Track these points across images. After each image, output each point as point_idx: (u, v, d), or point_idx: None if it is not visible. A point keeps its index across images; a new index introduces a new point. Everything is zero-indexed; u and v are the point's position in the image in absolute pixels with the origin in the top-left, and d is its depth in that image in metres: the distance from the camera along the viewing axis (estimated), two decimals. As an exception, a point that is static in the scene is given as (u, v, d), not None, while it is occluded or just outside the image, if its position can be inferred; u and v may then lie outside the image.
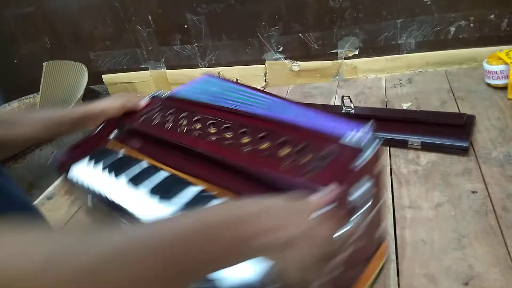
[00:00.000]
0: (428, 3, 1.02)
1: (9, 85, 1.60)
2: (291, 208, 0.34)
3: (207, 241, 0.29)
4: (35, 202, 0.92)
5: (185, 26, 1.24)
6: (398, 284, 0.53)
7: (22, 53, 1.51)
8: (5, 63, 1.53)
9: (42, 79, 1.16)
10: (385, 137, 0.77)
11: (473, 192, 0.64)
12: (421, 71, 1.10)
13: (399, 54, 1.11)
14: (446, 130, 0.74)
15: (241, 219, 0.31)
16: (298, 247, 0.32)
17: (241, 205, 0.34)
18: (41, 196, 0.94)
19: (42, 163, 1.09)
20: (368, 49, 1.12)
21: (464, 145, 0.71)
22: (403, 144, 0.77)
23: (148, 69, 1.38)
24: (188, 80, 1.32)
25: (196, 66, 1.32)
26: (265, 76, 1.26)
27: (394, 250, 0.58)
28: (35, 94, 1.42)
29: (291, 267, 0.33)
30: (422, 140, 0.74)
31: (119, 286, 0.25)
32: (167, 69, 1.36)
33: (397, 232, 0.61)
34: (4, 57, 1.52)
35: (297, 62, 1.19)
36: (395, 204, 0.66)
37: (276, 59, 1.21)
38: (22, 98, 1.43)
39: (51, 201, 0.91)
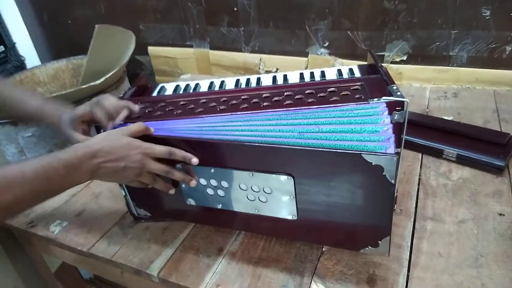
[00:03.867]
0: (487, 18, 0.98)
1: (60, 44, 1.68)
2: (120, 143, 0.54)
3: (68, 171, 0.51)
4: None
5: (235, 9, 1.25)
6: (406, 291, 0.52)
7: (77, 15, 1.57)
8: (60, 22, 1.60)
9: (92, 41, 1.20)
10: (421, 143, 0.76)
11: (500, 214, 0.62)
12: (468, 87, 1.06)
13: (448, 66, 1.07)
14: (485, 147, 0.71)
15: (92, 154, 0.52)
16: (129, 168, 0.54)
17: (90, 144, 0.53)
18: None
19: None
20: (417, 57, 1.08)
21: (501, 164, 0.68)
22: (437, 154, 0.75)
23: (192, 47, 1.40)
24: (229, 63, 1.34)
25: (239, 50, 1.33)
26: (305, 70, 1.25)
27: (408, 258, 0.57)
28: (83, 56, 1.48)
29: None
30: (458, 152, 0.72)
31: (23, 196, 0.48)
32: (210, 49, 1.38)
33: (414, 241, 0.59)
34: (60, 16, 1.60)
35: (340, 59, 1.17)
36: (417, 213, 0.65)
37: (320, 54, 1.20)
38: (71, 58, 1.49)
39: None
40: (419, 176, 0.73)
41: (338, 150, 0.47)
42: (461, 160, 0.73)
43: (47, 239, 0.72)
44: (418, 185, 0.71)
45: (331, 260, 0.58)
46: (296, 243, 0.62)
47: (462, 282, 0.52)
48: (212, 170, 0.57)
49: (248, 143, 0.52)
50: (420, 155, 0.78)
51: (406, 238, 0.60)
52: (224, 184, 0.57)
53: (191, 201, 0.62)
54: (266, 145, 0.51)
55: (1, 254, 0.84)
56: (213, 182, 0.58)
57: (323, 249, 0.60)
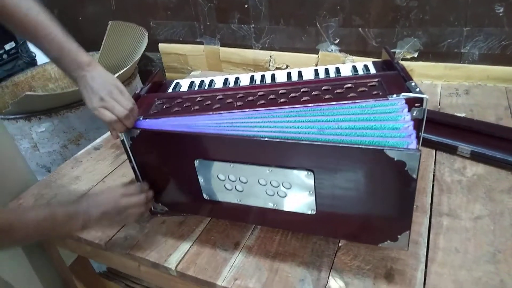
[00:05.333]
0: (500, 15, 0.97)
1: (72, 41, 1.69)
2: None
3: (56, 226, 0.58)
4: (83, 151, 0.98)
5: (246, 5, 1.25)
6: (424, 285, 0.52)
7: (87, 11, 1.58)
8: (71, 18, 1.61)
9: (105, 37, 1.22)
10: (435, 140, 0.76)
11: (517, 210, 0.62)
12: (480, 84, 1.06)
13: (460, 63, 1.06)
14: (499, 144, 0.72)
15: (74, 215, 0.58)
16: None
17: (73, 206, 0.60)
18: (89, 146, 0.99)
19: (93, 115, 1.15)
20: (428, 54, 1.08)
21: (515, 161, 0.68)
22: (451, 150, 0.75)
23: (202, 44, 1.41)
24: (239, 60, 1.35)
25: (250, 47, 1.33)
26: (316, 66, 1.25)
27: (425, 253, 0.57)
28: (94, 52, 1.49)
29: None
30: (472, 149, 0.72)
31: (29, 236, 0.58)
32: (220, 46, 1.38)
33: (430, 236, 0.60)
34: (71, 12, 1.60)
35: (351, 56, 1.18)
36: (432, 209, 0.65)
37: (331, 50, 1.20)
38: (82, 54, 1.50)
39: (98, 152, 0.96)
40: (434, 172, 0.73)
41: (360, 146, 0.47)
42: (475, 157, 0.73)
43: (64, 233, 0.73)
44: (433, 181, 0.71)
45: (348, 255, 0.59)
46: (312, 237, 0.63)
47: (480, 278, 0.52)
48: (232, 166, 0.57)
49: (269, 139, 0.52)
50: (434, 151, 0.78)
51: (423, 234, 0.60)
52: (243, 179, 0.58)
53: (208, 196, 0.63)
54: (286, 140, 0.52)
55: (17, 249, 0.85)
56: (232, 177, 0.59)
57: (340, 244, 0.61)
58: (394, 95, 0.54)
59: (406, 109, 0.52)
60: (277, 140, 0.52)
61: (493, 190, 0.67)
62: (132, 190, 0.64)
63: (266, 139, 0.53)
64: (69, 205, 0.60)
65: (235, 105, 0.62)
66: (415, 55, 1.10)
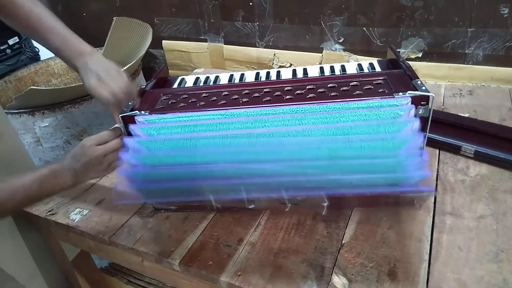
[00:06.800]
0: (505, 16, 0.97)
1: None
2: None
3: (45, 188, 0.61)
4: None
5: (250, 3, 1.25)
6: (427, 284, 0.53)
7: (91, 7, 1.58)
8: (75, 14, 1.61)
9: (109, 33, 1.22)
10: (438, 139, 0.76)
11: (520, 211, 0.62)
12: (483, 85, 1.06)
13: (464, 64, 1.07)
14: (503, 144, 0.72)
15: (60, 172, 0.62)
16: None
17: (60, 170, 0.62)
18: (92, 141, 0.99)
19: (97, 111, 1.15)
20: (432, 54, 1.08)
21: (519, 161, 0.68)
22: (455, 150, 0.75)
23: (206, 41, 1.41)
24: (243, 58, 1.35)
25: (253, 45, 1.33)
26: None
27: (428, 251, 0.57)
28: (98, 48, 1.49)
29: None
30: (476, 149, 0.72)
31: (21, 202, 0.61)
32: (224, 43, 1.38)
33: (434, 235, 0.60)
34: (75, 8, 1.61)
35: (355, 55, 1.18)
36: (436, 208, 0.65)
37: (335, 49, 1.20)
38: (86, 50, 1.50)
39: (101, 147, 0.96)
40: (437, 172, 0.73)
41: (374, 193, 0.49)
42: (478, 157, 0.73)
43: (68, 227, 0.73)
44: (436, 180, 0.71)
45: (351, 252, 0.59)
46: (315, 235, 0.63)
47: (483, 277, 0.52)
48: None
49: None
50: (437, 151, 0.78)
51: (426, 232, 0.60)
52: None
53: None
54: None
55: (19, 242, 0.85)
56: None
57: (343, 241, 0.61)
58: (400, 93, 0.54)
59: (413, 110, 0.52)
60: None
61: (496, 190, 0.67)
62: (106, 137, 0.65)
63: None
64: (53, 164, 0.62)
65: (241, 101, 0.62)
66: (420, 55, 1.10)
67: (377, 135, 0.49)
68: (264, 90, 0.64)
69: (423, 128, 0.54)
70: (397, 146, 0.51)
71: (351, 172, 0.53)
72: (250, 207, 0.63)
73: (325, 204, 0.59)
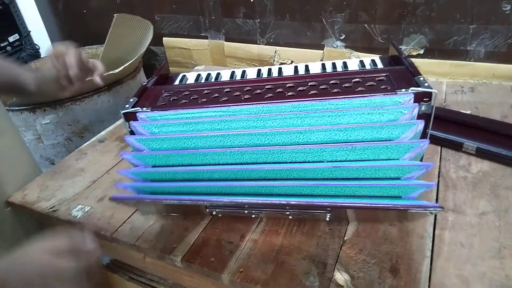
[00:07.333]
0: (507, 12, 0.97)
1: (75, 33, 1.69)
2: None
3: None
4: (87, 144, 0.98)
5: (251, 0, 1.25)
6: (429, 280, 0.53)
7: (92, 4, 1.58)
8: (75, 11, 1.61)
9: (110, 30, 1.21)
10: (440, 136, 0.76)
11: (522, 207, 0.62)
12: (485, 82, 1.06)
13: (465, 60, 1.06)
14: (505, 141, 0.72)
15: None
16: None
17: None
18: (93, 138, 0.99)
19: (98, 108, 1.15)
20: (434, 51, 1.08)
21: (522, 158, 0.68)
22: (457, 147, 0.75)
23: (207, 38, 1.41)
24: (244, 55, 1.35)
25: (254, 42, 1.33)
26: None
27: (430, 248, 0.57)
28: (98, 45, 1.49)
29: None
30: (478, 146, 0.72)
31: None
32: (225, 40, 1.38)
33: (436, 231, 0.60)
34: (75, 5, 1.60)
35: (356, 52, 1.17)
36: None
37: (336, 46, 1.20)
38: (86, 47, 1.50)
39: (102, 144, 0.97)
40: (439, 168, 0.73)
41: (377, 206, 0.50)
42: (480, 154, 0.73)
43: (70, 223, 0.73)
44: (438, 177, 0.71)
45: (353, 248, 0.59)
46: (317, 231, 0.63)
47: (485, 273, 0.52)
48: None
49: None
50: (439, 148, 0.78)
51: (428, 229, 0.60)
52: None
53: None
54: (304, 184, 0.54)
55: (21, 238, 0.85)
56: None
57: (345, 238, 0.61)
58: (403, 90, 0.54)
59: (417, 109, 0.52)
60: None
61: (498, 186, 0.67)
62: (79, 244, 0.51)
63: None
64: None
65: (243, 98, 0.62)
66: (421, 52, 1.10)
67: (380, 141, 0.49)
68: (266, 86, 0.64)
69: (425, 125, 0.54)
70: (401, 151, 0.51)
71: (353, 177, 0.53)
72: (252, 216, 0.63)
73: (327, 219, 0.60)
